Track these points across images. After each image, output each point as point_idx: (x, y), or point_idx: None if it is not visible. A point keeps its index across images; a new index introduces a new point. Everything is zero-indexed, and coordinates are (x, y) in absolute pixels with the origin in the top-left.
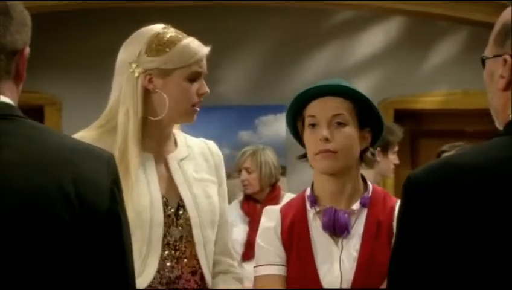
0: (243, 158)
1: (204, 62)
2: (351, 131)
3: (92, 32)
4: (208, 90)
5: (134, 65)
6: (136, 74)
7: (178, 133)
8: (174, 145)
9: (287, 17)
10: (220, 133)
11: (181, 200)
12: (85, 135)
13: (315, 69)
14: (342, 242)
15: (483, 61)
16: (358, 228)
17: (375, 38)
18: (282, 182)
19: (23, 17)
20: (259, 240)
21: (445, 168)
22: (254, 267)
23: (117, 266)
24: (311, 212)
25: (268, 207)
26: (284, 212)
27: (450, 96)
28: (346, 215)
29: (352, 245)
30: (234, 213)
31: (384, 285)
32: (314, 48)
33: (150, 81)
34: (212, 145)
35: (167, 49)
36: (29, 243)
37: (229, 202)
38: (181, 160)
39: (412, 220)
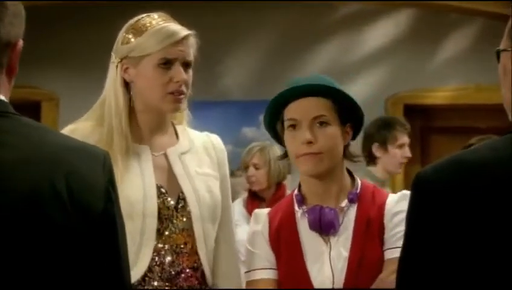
0: (251, 154)
1: (182, 48)
2: (334, 130)
3: (91, 27)
4: (184, 77)
5: (113, 55)
6: (115, 64)
7: (180, 127)
8: (175, 138)
9: (292, 10)
10: (223, 130)
11: (182, 192)
12: (79, 127)
13: (320, 63)
14: (331, 241)
15: (498, 55)
16: (347, 225)
17: (383, 32)
18: (287, 180)
19: (17, 9)
20: (247, 245)
21: (455, 165)
22: (245, 272)
23: (111, 268)
24: (299, 212)
25: (256, 210)
26: (271, 214)
27: (461, 91)
28: (332, 212)
29: (342, 243)
30: (238, 213)
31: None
32: (320, 41)
33: (126, 71)
34: (215, 139)
35: (138, 36)
36: (21, 242)
37: (232, 200)
38: (182, 154)
39: (421, 219)
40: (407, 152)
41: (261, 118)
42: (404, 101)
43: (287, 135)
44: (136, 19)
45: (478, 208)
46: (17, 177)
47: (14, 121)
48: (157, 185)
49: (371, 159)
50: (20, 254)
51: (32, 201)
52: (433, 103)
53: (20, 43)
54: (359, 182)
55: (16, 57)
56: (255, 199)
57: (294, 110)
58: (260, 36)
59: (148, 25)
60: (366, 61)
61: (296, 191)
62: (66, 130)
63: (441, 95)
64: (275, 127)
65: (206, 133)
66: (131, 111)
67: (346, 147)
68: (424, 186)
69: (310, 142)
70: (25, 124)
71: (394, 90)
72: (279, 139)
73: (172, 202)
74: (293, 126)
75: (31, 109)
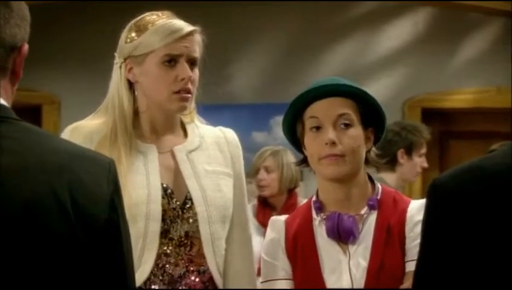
0: (263, 157)
1: (187, 44)
2: (357, 132)
3: (93, 28)
4: (190, 74)
5: (117, 56)
6: (119, 64)
7: (191, 124)
8: (183, 137)
9: (305, 9)
10: None
11: (189, 193)
12: (82, 124)
13: (334, 65)
14: (349, 250)
15: None
16: (367, 233)
17: (400, 32)
18: (300, 187)
19: (23, 11)
20: (263, 254)
21: (473, 172)
22: (261, 282)
23: (116, 278)
24: (316, 220)
25: (273, 218)
26: (289, 221)
27: (482, 93)
28: (351, 219)
29: (361, 252)
30: None
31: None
32: (334, 42)
33: (130, 71)
34: (228, 133)
35: (141, 34)
36: (22, 254)
37: None
38: (190, 151)
39: (437, 227)
40: (425, 162)
41: (272, 121)
42: (422, 104)
43: (309, 137)
44: (139, 17)
45: (497, 216)
46: (16, 185)
47: (14, 126)
48: (162, 185)
49: (391, 166)
50: (20, 265)
51: (32, 209)
52: (452, 106)
53: (26, 47)
54: (380, 187)
55: (21, 62)
56: (265, 208)
57: (317, 109)
58: (271, 36)
59: (151, 22)
60: (382, 62)
61: (314, 198)
62: (69, 128)
63: (460, 98)
64: (294, 129)
65: (219, 127)
66: (136, 112)
67: (367, 152)
68: (440, 193)
69: (333, 143)
70: (26, 130)
71: (411, 93)
72: (297, 143)
73: (178, 203)
74: (316, 127)
75: (32, 112)
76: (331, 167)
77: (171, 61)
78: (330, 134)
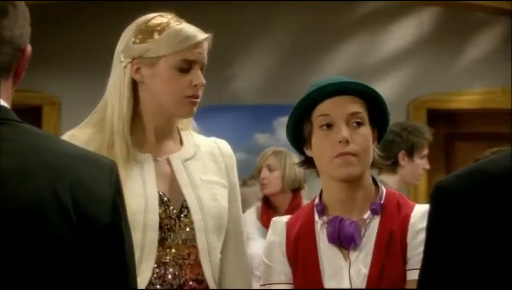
0: (265, 156)
1: (201, 50)
2: (368, 131)
3: (93, 29)
4: (203, 81)
5: (122, 55)
6: (124, 64)
7: (186, 132)
8: (179, 144)
9: (308, 9)
10: (234, 136)
11: (185, 201)
12: (76, 134)
13: (338, 65)
14: (350, 256)
15: None
16: (369, 239)
17: (405, 32)
18: (303, 189)
19: (25, 12)
20: (263, 256)
21: (477, 175)
22: (260, 285)
23: (119, 283)
24: (319, 223)
25: (275, 219)
26: (290, 224)
27: (488, 94)
28: (353, 225)
29: (362, 259)
30: (251, 225)
31: None
32: (338, 42)
33: (137, 71)
34: (223, 145)
35: (154, 36)
36: (23, 256)
37: (244, 210)
38: (186, 160)
39: (441, 230)
40: (427, 163)
41: (275, 123)
42: (427, 105)
43: (319, 135)
44: (147, 18)
45: (501, 219)
46: (17, 187)
47: (15, 128)
48: (159, 193)
49: (392, 168)
50: (22, 267)
51: (33, 211)
52: (458, 107)
53: (29, 48)
54: (384, 190)
55: (24, 64)
56: (269, 209)
57: (328, 107)
58: (274, 37)
59: (163, 25)
60: (387, 63)
61: (316, 200)
62: (65, 137)
63: (466, 98)
64: (300, 130)
65: (213, 138)
66: (135, 115)
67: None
68: (444, 196)
69: (346, 142)
70: (26, 132)
71: (416, 93)
72: (299, 144)
73: (175, 211)
74: (327, 125)
75: (32, 113)
76: (343, 167)
77: (185, 66)
78: (344, 132)
